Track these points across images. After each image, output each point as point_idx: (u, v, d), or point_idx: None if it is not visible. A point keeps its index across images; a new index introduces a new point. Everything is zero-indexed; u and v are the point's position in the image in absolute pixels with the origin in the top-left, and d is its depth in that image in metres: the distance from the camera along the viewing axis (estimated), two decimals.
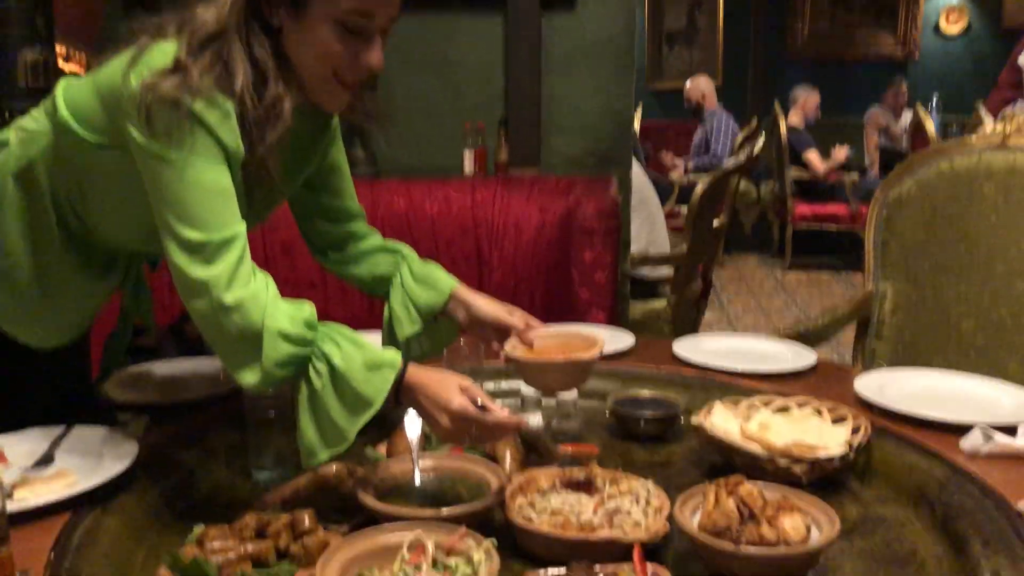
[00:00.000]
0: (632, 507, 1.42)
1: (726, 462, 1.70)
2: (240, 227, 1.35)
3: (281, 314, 1.35)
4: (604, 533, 1.35)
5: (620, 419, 1.88)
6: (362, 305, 2.94)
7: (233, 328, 1.32)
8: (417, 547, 1.28)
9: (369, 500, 1.42)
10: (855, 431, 1.69)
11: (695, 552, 1.35)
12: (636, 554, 1.30)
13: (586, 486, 1.48)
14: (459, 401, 1.39)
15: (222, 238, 1.32)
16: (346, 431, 1.39)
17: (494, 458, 1.61)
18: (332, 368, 1.37)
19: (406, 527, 1.31)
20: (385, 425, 1.89)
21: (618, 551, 1.32)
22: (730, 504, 1.28)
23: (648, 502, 1.44)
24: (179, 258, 1.32)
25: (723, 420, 1.76)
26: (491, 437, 1.47)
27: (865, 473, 1.68)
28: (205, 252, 1.31)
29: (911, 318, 2.70)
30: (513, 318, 1.69)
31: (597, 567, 1.29)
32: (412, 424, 1.58)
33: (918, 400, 1.83)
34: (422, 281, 1.75)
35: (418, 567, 1.23)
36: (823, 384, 2.01)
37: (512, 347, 1.65)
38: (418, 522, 1.32)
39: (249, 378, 1.35)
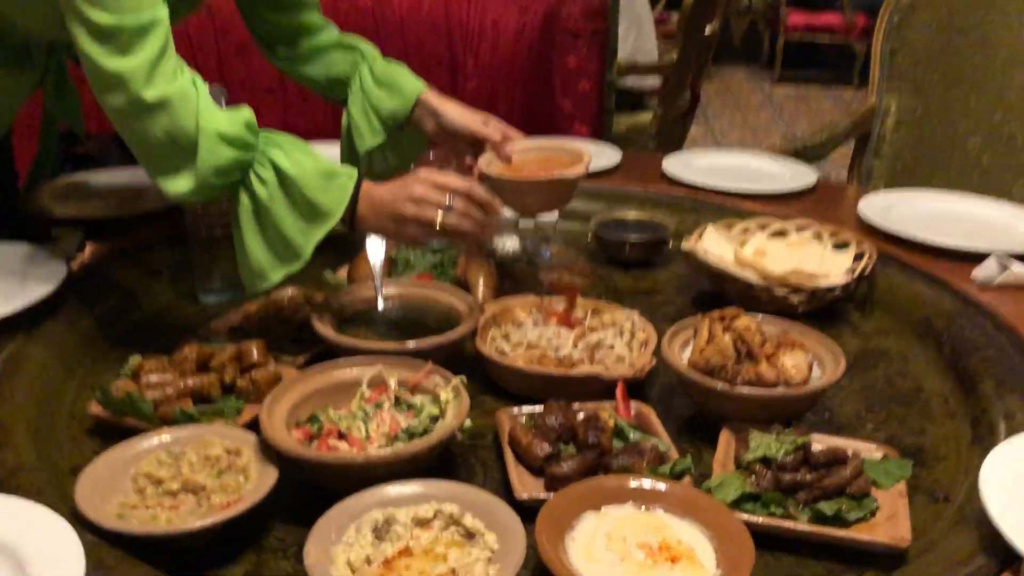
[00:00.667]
0: (615, 341, 1.29)
1: (717, 290, 1.57)
2: (160, 11, 1.12)
3: (218, 115, 1.16)
4: (584, 369, 1.22)
5: (603, 243, 1.73)
6: (325, 113, 2.70)
7: (158, 130, 1.13)
8: (378, 384, 1.15)
9: (326, 330, 1.28)
10: (858, 258, 1.56)
11: (683, 390, 1.23)
12: (619, 392, 1.18)
13: (566, 317, 1.34)
14: (422, 181, 1.24)
15: (138, 23, 1.10)
16: (301, 246, 1.22)
17: (465, 285, 1.46)
18: (281, 174, 1.19)
19: (366, 361, 1.18)
20: (346, 249, 1.74)
21: (599, 388, 1.20)
22: (726, 340, 1.15)
23: (633, 335, 1.31)
24: (89, 47, 1.11)
25: (715, 245, 1.62)
26: (462, 223, 1.29)
27: (866, 303, 1.56)
28: (119, 40, 1.09)
29: (914, 134, 2.53)
30: (488, 129, 1.49)
31: (576, 405, 1.17)
32: (375, 248, 1.42)
33: (926, 225, 1.69)
34: (385, 84, 1.54)
35: (379, 406, 1.11)
36: (823, 206, 1.86)
37: (487, 163, 1.47)
38: (380, 356, 1.19)
39: (179, 187, 1.17)
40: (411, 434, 1.07)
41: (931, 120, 2.51)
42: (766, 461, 1.04)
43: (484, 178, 1.42)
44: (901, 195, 1.87)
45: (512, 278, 1.54)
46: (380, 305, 1.37)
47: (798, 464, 1.04)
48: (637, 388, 1.25)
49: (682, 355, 1.24)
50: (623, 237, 1.71)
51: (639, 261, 1.71)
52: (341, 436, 1.07)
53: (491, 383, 1.28)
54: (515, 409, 1.17)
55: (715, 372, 1.15)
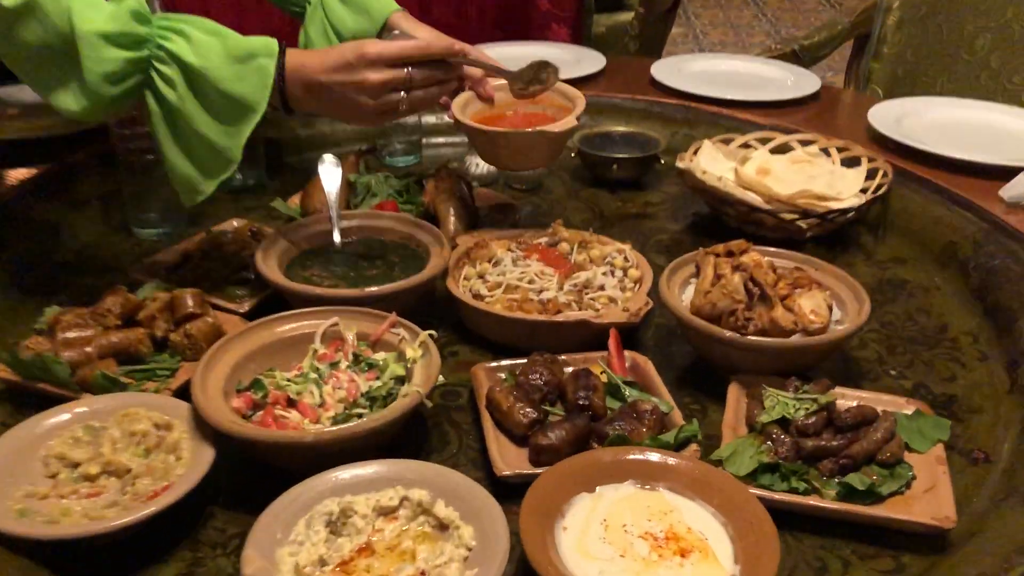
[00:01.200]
0: (606, 280, 1.13)
1: (714, 213, 1.41)
2: None
3: (95, 11, 0.95)
4: (572, 314, 1.07)
5: (587, 160, 1.55)
6: (284, 17, 2.46)
7: (31, 38, 0.93)
8: (334, 339, 0.99)
9: (272, 272, 1.11)
10: (871, 175, 1.40)
11: (685, 337, 1.08)
12: (612, 341, 1.03)
13: (549, 253, 1.18)
14: (372, 65, 1.07)
15: None
16: (228, 148, 1.04)
17: (434, 217, 1.29)
18: (186, 69, 1.00)
19: (320, 312, 1.01)
20: (300, 171, 1.56)
21: (589, 335, 1.05)
22: (735, 280, 1.00)
23: (625, 273, 1.16)
24: None
25: (712, 163, 1.45)
26: (429, 95, 1.15)
27: (880, 227, 1.40)
28: None
29: (917, 33, 2.33)
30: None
31: (563, 357, 1.02)
32: (330, 173, 1.24)
33: (945, 137, 1.52)
34: (350, 1, 1.32)
35: (334, 365, 0.95)
36: (828, 116, 1.69)
37: (463, 105, 1.26)
38: (335, 306, 1.02)
39: (71, 102, 0.98)
40: (372, 399, 0.92)
41: (937, 17, 2.31)
42: (784, 423, 0.91)
43: (459, 126, 1.23)
44: (915, 103, 1.70)
45: (486, 206, 1.37)
46: (336, 240, 1.20)
47: (821, 427, 0.90)
48: (630, 333, 1.10)
49: (682, 295, 1.09)
50: (609, 153, 1.54)
51: (627, 181, 1.54)
52: (291, 403, 0.91)
53: (465, 331, 1.12)
54: (493, 364, 1.02)
55: (722, 318, 1.00)
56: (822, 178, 1.39)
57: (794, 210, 1.33)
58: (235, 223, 1.32)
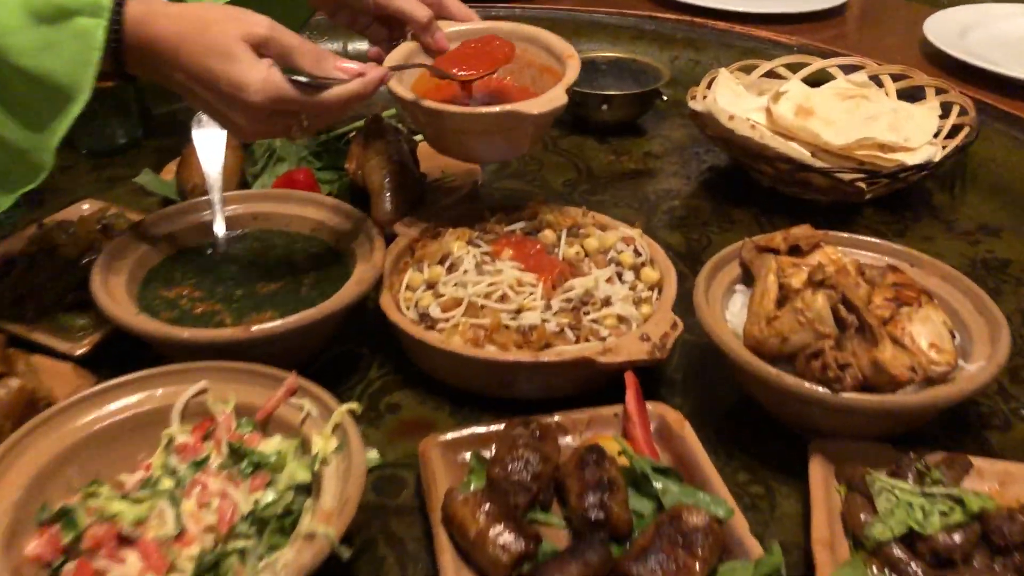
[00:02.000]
0: (612, 289, 0.78)
1: (737, 166, 1.06)
2: None
3: None
4: (567, 349, 0.72)
5: (571, 100, 1.18)
6: None
7: None
8: (202, 419, 0.64)
9: (110, 299, 0.75)
10: (943, 113, 1.06)
11: (736, 380, 0.74)
12: (630, 394, 0.69)
13: (526, 248, 0.82)
14: (259, 75, 0.67)
15: None
16: (31, 151, 0.68)
17: (363, 191, 0.92)
18: None
19: (180, 375, 0.65)
20: (177, 130, 1.16)
21: (593, 378, 0.71)
22: (819, 305, 0.65)
23: (638, 274, 0.81)
24: None
25: (733, 100, 1.10)
26: (330, 116, 0.75)
27: (955, 182, 1.07)
28: None
29: None
30: (409, 3, 0.86)
31: (558, 418, 0.68)
32: (210, 142, 0.87)
33: None
34: None
35: (200, 465, 0.60)
36: (871, 31, 1.34)
37: (405, 56, 0.85)
38: (204, 364, 0.66)
39: None
40: (261, 523, 0.57)
41: None
42: (910, 540, 0.58)
43: (398, 100, 0.83)
44: (983, 11, 1.33)
45: (437, 168, 1.00)
46: (219, 233, 0.84)
47: (971, 547, 0.57)
48: (652, 375, 0.76)
49: (726, 310, 0.75)
50: (596, 89, 1.17)
51: (620, 125, 1.18)
52: (125, 541, 0.56)
53: (410, 366, 0.77)
54: (452, 436, 0.67)
55: (798, 357, 0.66)
56: (883, 119, 1.05)
57: (854, 165, 0.99)
58: (85, 207, 0.94)
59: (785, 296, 0.69)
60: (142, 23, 0.66)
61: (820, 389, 0.63)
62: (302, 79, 0.69)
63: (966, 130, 1.01)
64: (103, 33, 0.64)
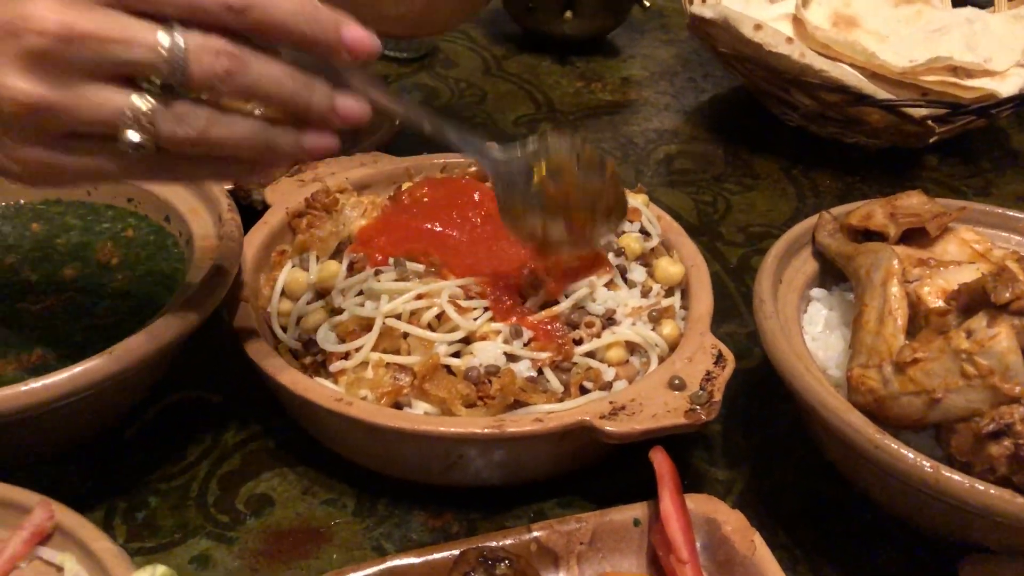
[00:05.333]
0: (616, 296, 0.49)
1: (747, 98, 0.78)
2: None
3: None
4: (551, 412, 0.43)
5: (517, 6, 0.87)
6: None
7: None
8: None
9: None
10: None
11: (827, 451, 0.46)
12: (667, 492, 0.40)
13: (480, 231, 0.52)
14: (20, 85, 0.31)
15: None
16: None
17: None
18: None
19: None
20: None
21: (589, 452, 0.43)
22: (1003, 348, 0.37)
23: (651, 271, 0.51)
24: None
25: (742, 2, 0.80)
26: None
27: None
28: None
29: None
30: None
31: (536, 534, 0.40)
32: None
33: None
34: None
35: None
36: None
37: None
38: None
39: None
40: None
41: None
42: None
43: None
44: None
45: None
46: None
47: None
48: (692, 442, 0.47)
49: (805, 332, 0.46)
50: None
51: (586, 41, 0.88)
52: None
53: (289, 425, 0.47)
54: (370, 571, 0.38)
55: (959, 431, 0.38)
56: (955, 32, 0.76)
57: (923, 94, 0.71)
58: None
59: (920, 321, 0.41)
60: None
61: (995, 491, 0.36)
62: None
63: None
64: None
